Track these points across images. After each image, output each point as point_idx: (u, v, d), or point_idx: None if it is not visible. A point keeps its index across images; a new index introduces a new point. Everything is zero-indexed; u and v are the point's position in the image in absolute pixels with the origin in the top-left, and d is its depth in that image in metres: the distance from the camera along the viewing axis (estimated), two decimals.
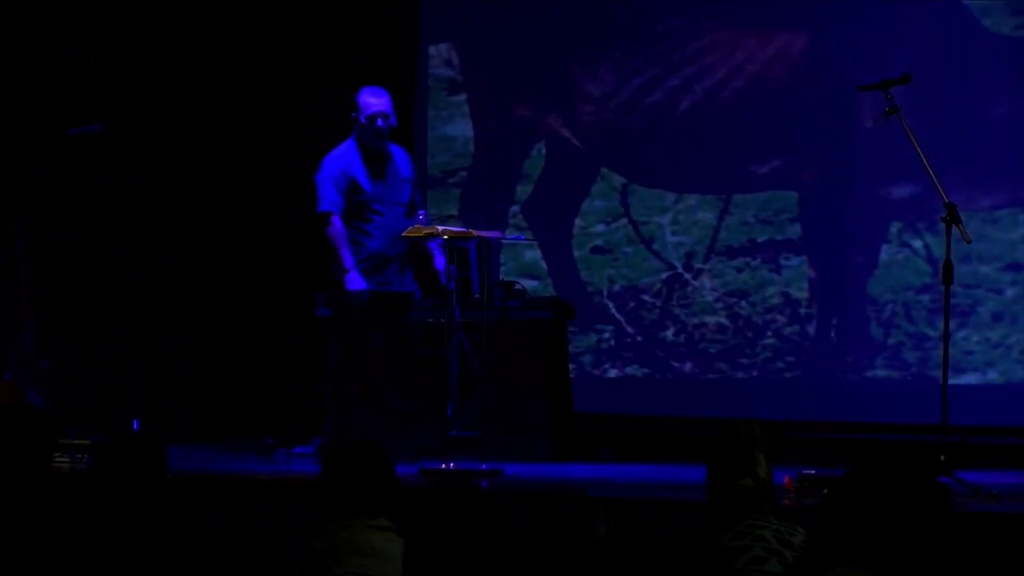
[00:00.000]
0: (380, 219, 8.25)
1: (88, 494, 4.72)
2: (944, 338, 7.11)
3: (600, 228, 9.91)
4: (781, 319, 9.64)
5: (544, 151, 9.98)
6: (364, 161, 8.32)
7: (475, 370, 7.90)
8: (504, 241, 9.57)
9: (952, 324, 7.50)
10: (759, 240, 9.68)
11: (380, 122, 8.28)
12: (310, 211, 10.13)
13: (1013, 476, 7.76)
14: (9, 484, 4.65)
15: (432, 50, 10.15)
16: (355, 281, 8.25)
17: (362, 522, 4.65)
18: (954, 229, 6.99)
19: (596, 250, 9.91)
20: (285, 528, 6.38)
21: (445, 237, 7.67)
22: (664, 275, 9.80)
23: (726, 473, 4.39)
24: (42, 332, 8.66)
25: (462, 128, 10.00)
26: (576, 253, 9.91)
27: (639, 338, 9.81)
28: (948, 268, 7.03)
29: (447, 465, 7.34)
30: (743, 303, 9.69)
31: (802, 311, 9.61)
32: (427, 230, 7.77)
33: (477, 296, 8.07)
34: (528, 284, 9.36)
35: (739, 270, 9.71)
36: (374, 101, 8.31)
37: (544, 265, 9.95)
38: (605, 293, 9.87)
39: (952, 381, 7.24)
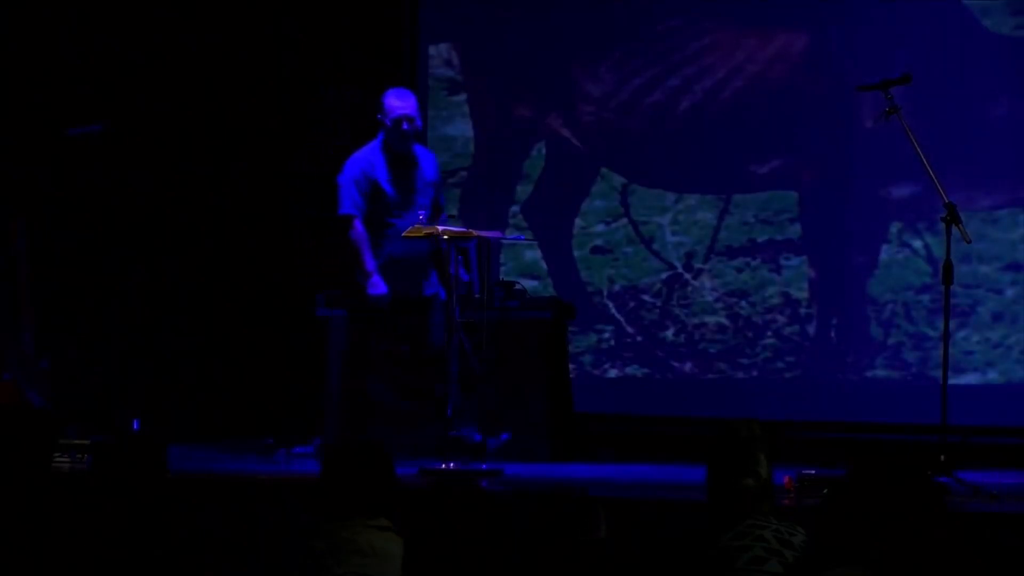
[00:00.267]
0: (401, 222, 8.14)
1: (88, 494, 4.72)
2: (944, 338, 7.11)
3: (600, 228, 9.91)
4: (781, 319, 9.64)
5: (544, 151, 9.98)
6: (388, 163, 8.21)
7: (475, 370, 7.90)
8: (504, 241, 9.57)
9: (952, 324, 7.51)
10: (759, 240, 9.68)
11: (406, 125, 8.13)
12: (313, 211, 10.17)
13: (1013, 476, 7.76)
14: (9, 484, 4.65)
15: (432, 50, 10.16)
16: (378, 285, 8.14)
17: (362, 522, 4.65)
18: (954, 229, 6.99)
19: (596, 250, 9.91)
20: (285, 528, 6.38)
21: (445, 237, 7.67)
22: (664, 275, 9.80)
23: (726, 473, 4.39)
24: (42, 332, 8.66)
25: (462, 128, 10.00)
26: (576, 253, 9.91)
27: (639, 338, 9.81)
28: (948, 268, 7.03)
29: (447, 465, 7.34)
30: (743, 303, 9.69)
31: (802, 311, 9.61)
32: (427, 230, 7.75)
33: (477, 296, 8.06)
34: (528, 284, 9.36)
35: (739, 270, 9.71)
36: (400, 104, 8.18)
37: (544, 265, 9.95)
38: (605, 293, 9.87)
39: (952, 381, 7.24)
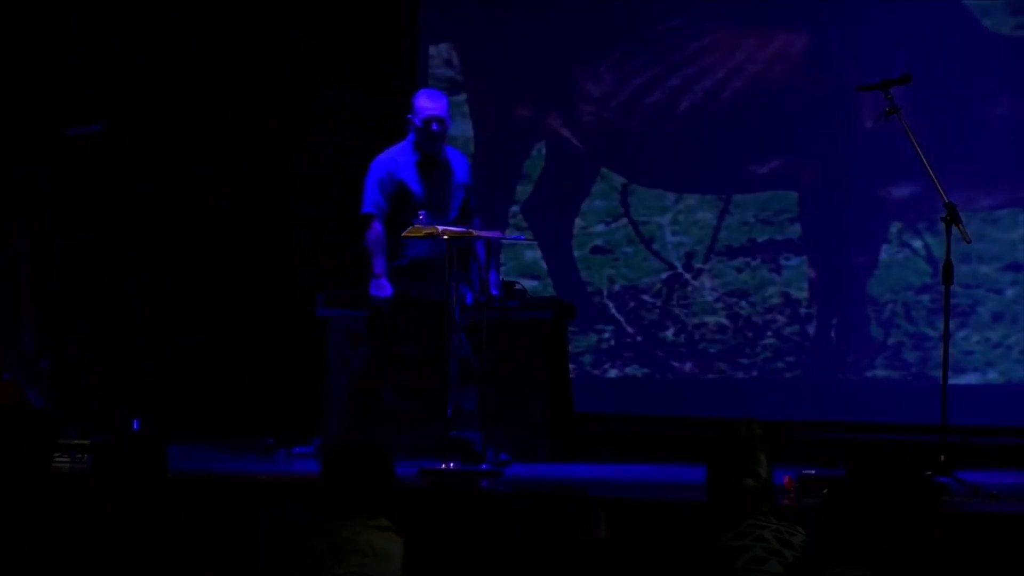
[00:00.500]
0: (426, 223, 8.08)
1: (88, 494, 4.72)
2: (944, 338, 7.11)
3: (600, 228, 9.91)
4: (781, 319, 9.64)
5: (544, 151, 9.98)
6: (417, 163, 8.11)
7: (475, 370, 7.89)
8: (504, 241, 9.56)
9: (952, 324, 7.50)
10: (759, 240, 9.68)
11: (435, 126, 8.02)
12: (313, 211, 10.17)
13: (1013, 476, 7.76)
14: (9, 484, 4.65)
15: (432, 50, 10.15)
16: (382, 288, 8.08)
17: (362, 522, 4.65)
18: (954, 229, 6.99)
19: (596, 250, 9.91)
20: (285, 528, 6.38)
21: (445, 237, 7.65)
22: (664, 275, 9.80)
23: (726, 473, 4.39)
24: (42, 332, 8.66)
25: (462, 128, 9.99)
26: (576, 253, 9.91)
27: (639, 338, 9.81)
28: (948, 268, 7.03)
29: (447, 465, 7.34)
30: (743, 303, 9.69)
31: (802, 311, 9.61)
32: (427, 230, 7.73)
33: (479, 297, 8.06)
34: (528, 284, 9.36)
35: (739, 270, 9.71)
36: (430, 105, 8.08)
37: (544, 265, 9.95)
38: (605, 293, 9.87)
39: (952, 381, 7.24)
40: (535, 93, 9.97)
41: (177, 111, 9.99)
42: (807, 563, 4.17)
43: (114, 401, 9.44)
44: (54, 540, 4.57)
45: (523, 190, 9.99)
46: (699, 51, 9.75)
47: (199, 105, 10.05)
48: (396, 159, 8.13)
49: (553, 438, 8.45)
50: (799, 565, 4.24)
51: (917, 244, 9.46)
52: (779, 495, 5.45)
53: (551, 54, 9.95)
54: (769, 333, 9.65)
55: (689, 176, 9.81)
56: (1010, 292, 9.35)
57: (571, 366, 9.08)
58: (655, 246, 9.82)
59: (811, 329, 9.60)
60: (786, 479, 6.61)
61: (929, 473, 6.76)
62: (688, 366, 9.76)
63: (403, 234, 7.87)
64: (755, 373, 9.65)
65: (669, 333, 9.79)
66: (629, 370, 9.83)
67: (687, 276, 9.76)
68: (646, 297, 9.82)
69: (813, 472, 6.66)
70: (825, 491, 4.62)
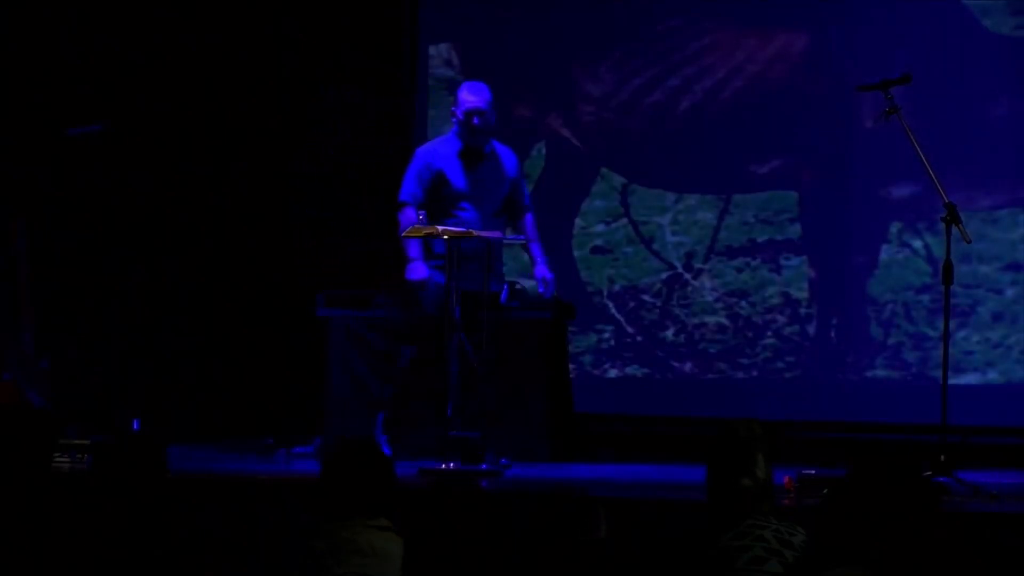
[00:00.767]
0: (464, 215, 7.99)
1: (88, 494, 4.72)
2: (944, 338, 7.11)
3: (600, 228, 9.91)
4: (781, 319, 9.64)
5: (544, 151, 9.98)
6: (460, 155, 8.06)
7: (475, 370, 7.88)
8: (504, 241, 9.56)
9: (952, 324, 7.50)
10: (759, 240, 9.68)
11: (476, 120, 7.97)
12: (313, 211, 10.17)
13: (1013, 476, 7.76)
14: (9, 484, 4.65)
15: (432, 50, 10.15)
16: (415, 271, 8.01)
17: (362, 522, 4.65)
18: (954, 229, 6.99)
19: (596, 250, 9.91)
20: (285, 528, 6.38)
21: (445, 237, 7.65)
22: (664, 275, 9.80)
23: (726, 473, 4.39)
24: (42, 332, 8.66)
25: None
26: (576, 253, 9.91)
27: (639, 338, 9.81)
28: (948, 268, 7.03)
29: (447, 465, 7.34)
30: (743, 303, 9.69)
31: (802, 311, 9.61)
32: (427, 230, 7.73)
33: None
34: (528, 284, 9.35)
35: (739, 270, 9.71)
36: (471, 98, 8.03)
37: None
38: (605, 293, 9.87)
39: (952, 381, 7.23)
40: (535, 93, 9.97)
41: (177, 111, 9.98)
42: (807, 563, 4.17)
43: (114, 401, 9.44)
44: (54, 540, 4.57)
45: None
46: (699, 51, 9.75)
47: (199, 105, 10.05)
48: (437, 150, 8.11)
49: (553, 438, 8.44)
50: (799, 565, 4.24)
51: (917, 244, 9.46)
52: (779, 495, 5.45)
53: (551, 54, 9.95)
54: (769, 333, 9.65)
55: (689, 176, 9.81)
56: (1010, 292, 9.35)
57: (571, 366, 9.07)
58: (655, 246, 9.82)
59: (811, 329, 9.60)
60: (786, 479, 6.61)
61: (929, 473, 6.77)
62: (688, 366, 9.76)
63: (402, 234, 7.87)
64: (755, 373, 9.65)
65: (669, 333, 9.79)
66: (629, 370, 9.83)
67: (687, 276, 9.76)
68: (646, 297, 9.82)
69: (813, 472, 6.66)
70: (825, 491, 4.61)
